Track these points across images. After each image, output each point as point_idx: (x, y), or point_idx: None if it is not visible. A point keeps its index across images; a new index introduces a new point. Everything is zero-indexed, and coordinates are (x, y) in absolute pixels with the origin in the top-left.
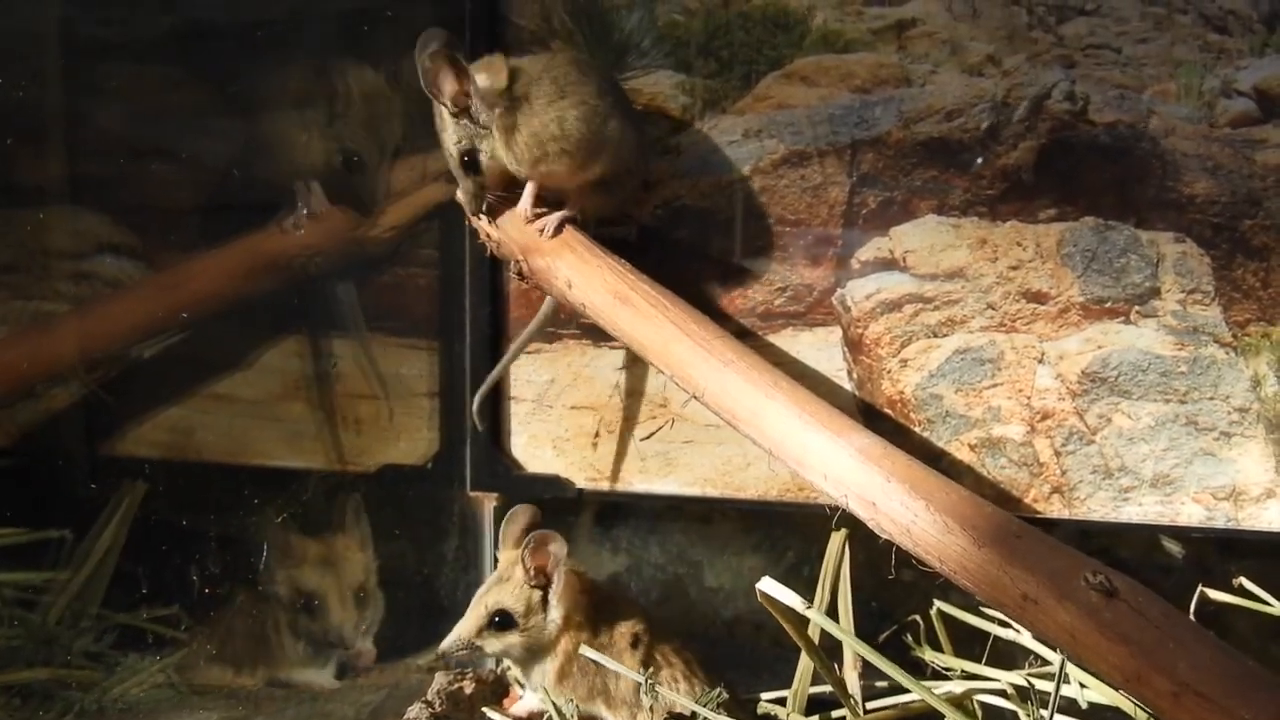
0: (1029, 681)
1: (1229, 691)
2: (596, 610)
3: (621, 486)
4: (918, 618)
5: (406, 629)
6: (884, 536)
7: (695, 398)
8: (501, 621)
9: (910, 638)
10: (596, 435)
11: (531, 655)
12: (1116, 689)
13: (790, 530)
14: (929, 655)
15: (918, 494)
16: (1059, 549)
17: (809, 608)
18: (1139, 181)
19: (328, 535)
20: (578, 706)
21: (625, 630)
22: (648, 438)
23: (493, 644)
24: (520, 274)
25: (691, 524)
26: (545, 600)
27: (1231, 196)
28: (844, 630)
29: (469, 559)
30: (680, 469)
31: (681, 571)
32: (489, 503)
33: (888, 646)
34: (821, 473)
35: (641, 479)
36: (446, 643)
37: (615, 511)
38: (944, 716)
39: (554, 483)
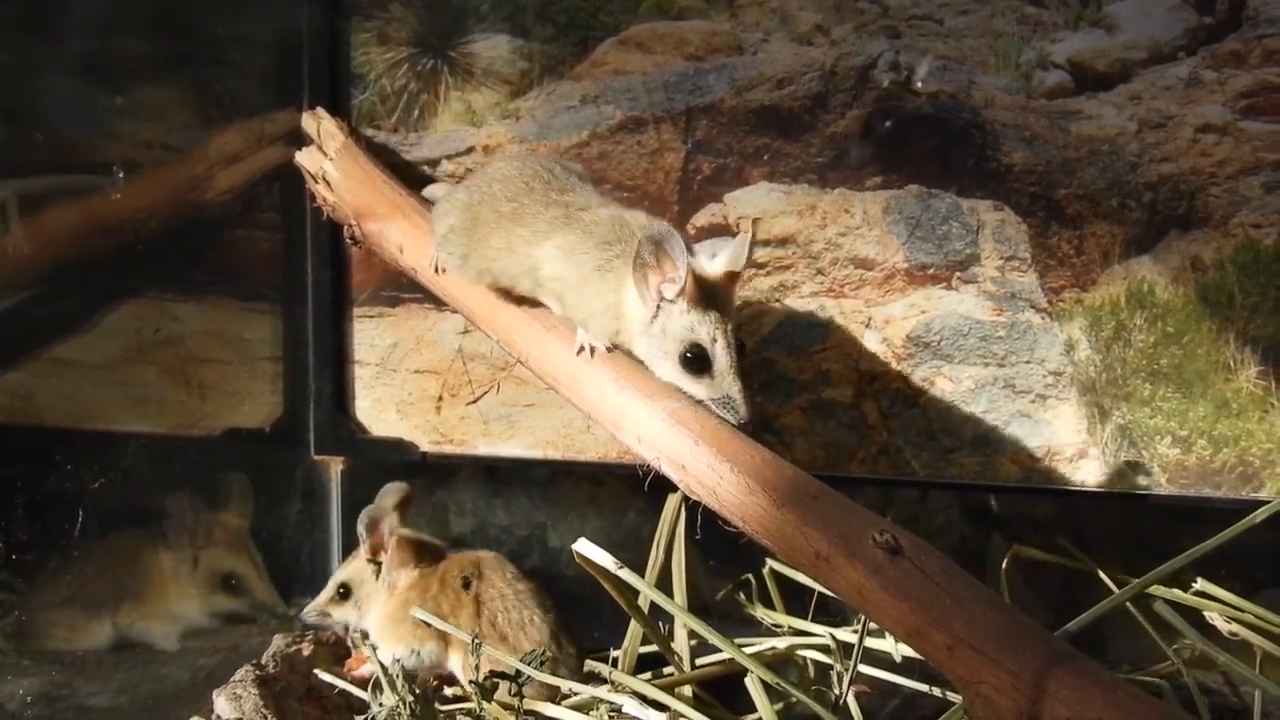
0: (833, 638)
1: (999, 644)
2: (427, 566)
3: (465, 449)
4: (750, 576)
5: (256, 591)
6: (694, 497)
7: (521, 362)
8: (344, 593)
9: (744, 596)
10: (440, 399)
11: (358, 620)
12: (899, 642)
13: (632, 491)
14: (760, 612)
15: (724, 456)
16: (853, 510)
17: (621, 568)
18: (960, 151)
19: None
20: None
21: (455, 575)
22: (473, 401)
23: (337, 613)
24: (353, 238)
25: (535, 486)
26: (379, 571)
27: (1047, 166)
28: (652, 588)
29: (314, 522)
30: (523, 432)
31: (526, 533)
32: (335, 466)
33: (727, 604)
34: (635, 435)
35: (485, 442)
36: (304, 613)
37: (460, 474)
38: (775, 669)
39: (398, 446)
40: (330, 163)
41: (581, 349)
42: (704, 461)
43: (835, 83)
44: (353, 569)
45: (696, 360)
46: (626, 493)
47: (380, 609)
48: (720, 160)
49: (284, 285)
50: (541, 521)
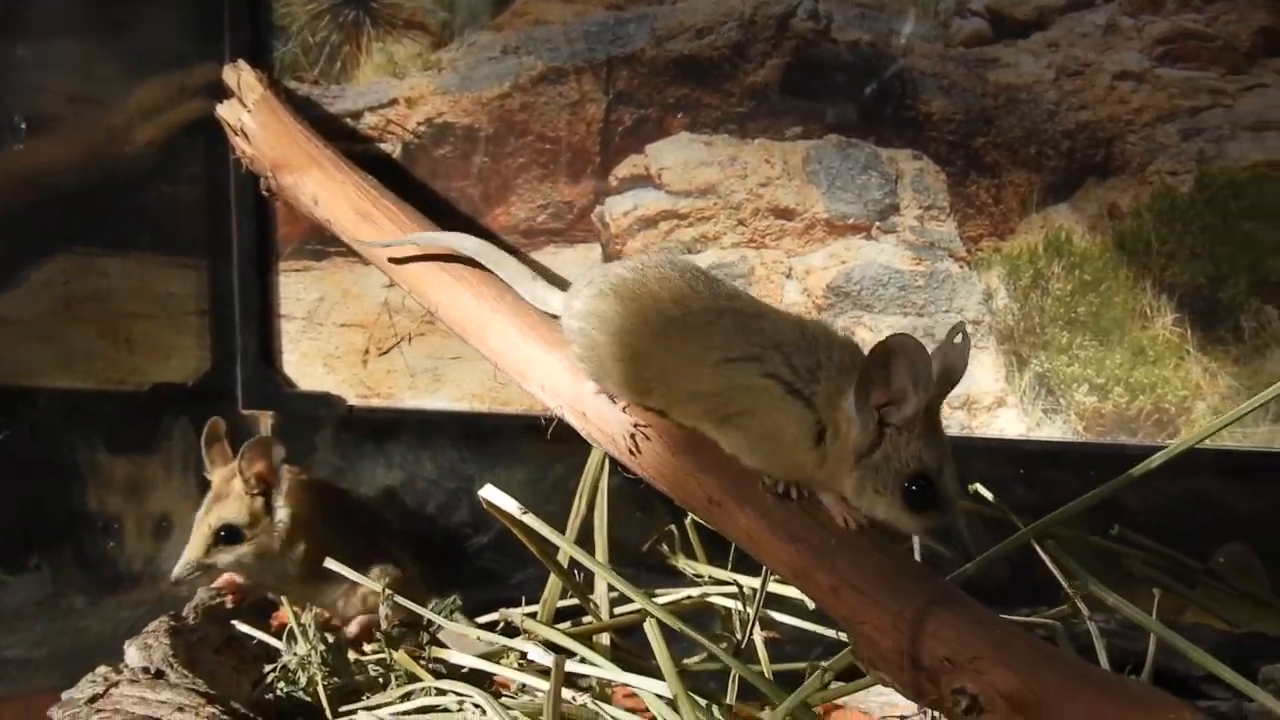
0: (738, 584)
1: (880, 585)
2: (325, 507)
3: (392, 403)
4: (673, 528)
5: (179, 546)
6: (594, 444)
7: (431, 313)
8: (228, 536)
9: (667, 547)
10: (366, 352)
11: (267, 563)
12: (787, 584)
13: (560, 443)
14: (682, 563)
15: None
16: None
17: (525, 513)
18: (879, 100)
19: (98, 455)
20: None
21: (354, 525)
22: (383, 353)
23: (223, 558)
24: (269, 190)
25: (462, 439)
26: (270, 506)
27: (966, 115)
28: (560, 536)
29: None
30: (449, 384)
31: (454, 486)
32: (265, 420)
33: (655, 555)
34: (540, 384)
35: (412, 395)
36: (177, 569)
37: (388, 427)
38: (698, 618)
39: (325, 400)
40: (249, 115)
41: (846, 524)
42: (604, 410)
43: (755, 32)
44: (232, 508)
45: (922, 494)
46: (554, 445)
47: (296, 551)
48: (641, 111)
49: (209, 239)
50: (469, 474)
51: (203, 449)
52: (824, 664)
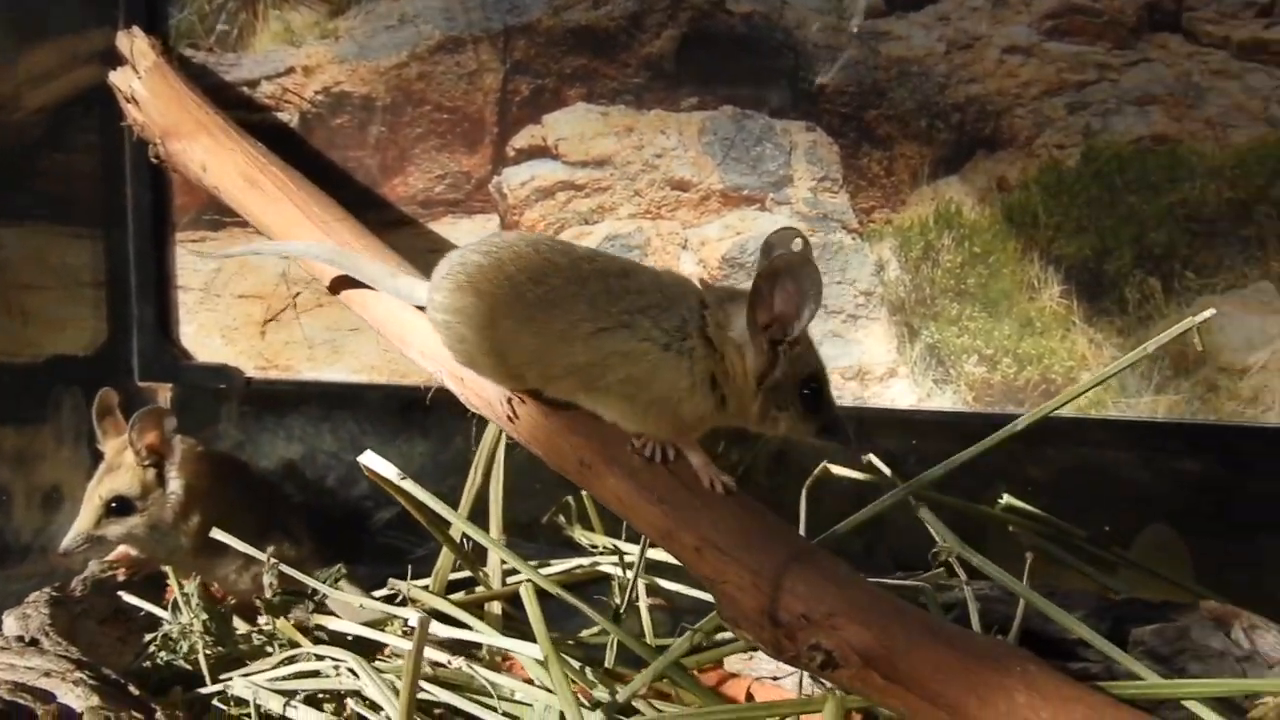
0: (618, 551)
1: (742, 545)
2: (221, 479)
3: (290, 375)
4: (570, 499)
5: (70, 518)
6: (472, 409)
7: (316, 279)
8: (120, 507)
9: (564, 518)
10: (264, 324)
11: (160, 536)
12: (656, 545)
13: (460, 416)
14: (579, 533)
15: None
16: None
17: (404, 478)
18: (773, 72)
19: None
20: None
21: (250, 497)
22: (269, 320)
23: (114, 530)
24: (157, 157)
25: (362, 410)
26: (162, 477)
27: (858, 87)
28: (439, 502)
29: None
30: (347, 356)
31: (353, 457)
32: (164, 393)
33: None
34: (419, 350)
35: (310, 367)
36: (66, 541)
37: (288, 399)
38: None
39: (223, 372)
40: (140, 82)
41: (711, 484)
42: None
43: (651, 2)
44: (124, 479)
45: (814, 396)
46: (456, 418)
47: (190, 523)
48: (538, 81)
49: (104, 209)
50: (370, 447)
51: (94, 420)
52: (694, 626)
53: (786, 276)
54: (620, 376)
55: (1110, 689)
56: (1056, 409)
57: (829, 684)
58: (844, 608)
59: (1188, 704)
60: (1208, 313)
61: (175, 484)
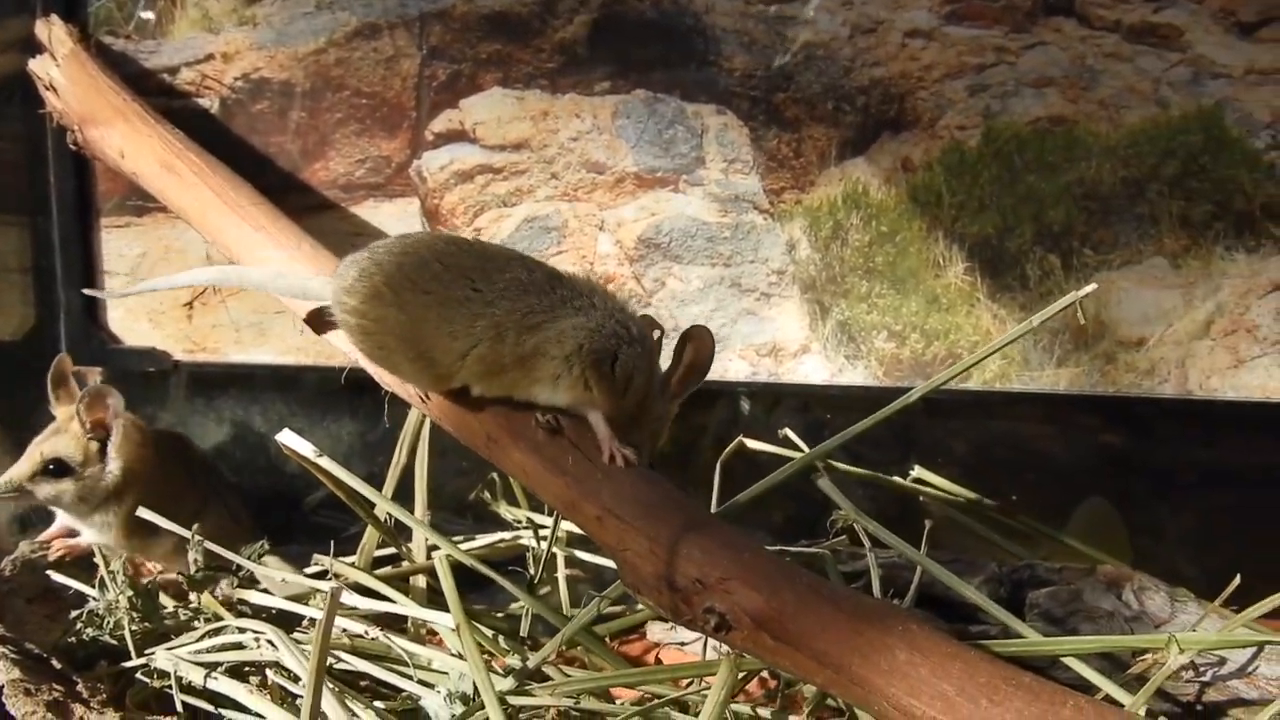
0: (533, 525)
1: (640, 514)
2: (162, 462)
3: (218, 357)
4: (495, 476)
5: None
6: (385, 388)
7: (233, 263)
8: (57, 469)
9: (489, 494)
10: (190, 307)
11: (85, 505)
12: (556, 515)
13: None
14: (504, 509)
15: None
16: None
17: (320, 455)
18: (683, 56)
19: None
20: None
21: (187, 480)
22: (187, 305)
23: (44, 490)
24: (75, 144)
25: (291, 393)
26: (104, 452)
27: (766, 71)
28: (353, 476)
29: None
30: (274, 338)
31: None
32: (94, 377)
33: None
34: (334, 331)
35: (237, 349)
36: None
37: (217, 382)
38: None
39: (151, 355)
40: (58, 69)
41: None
42: None
43: None
44: (67, 444)
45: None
46: (382, 399)
47: (124, 503)
48: (455, 66)
49: (28, 195)
50: (299, 428)
51: (49, 386)
52: (601, 594)
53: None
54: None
55: (992, 646)
56: (947, 381)
57: (726, 647)
58: (737, 572)
59: (1068, 661)
60: (1089, 288)
61: (114, 464)
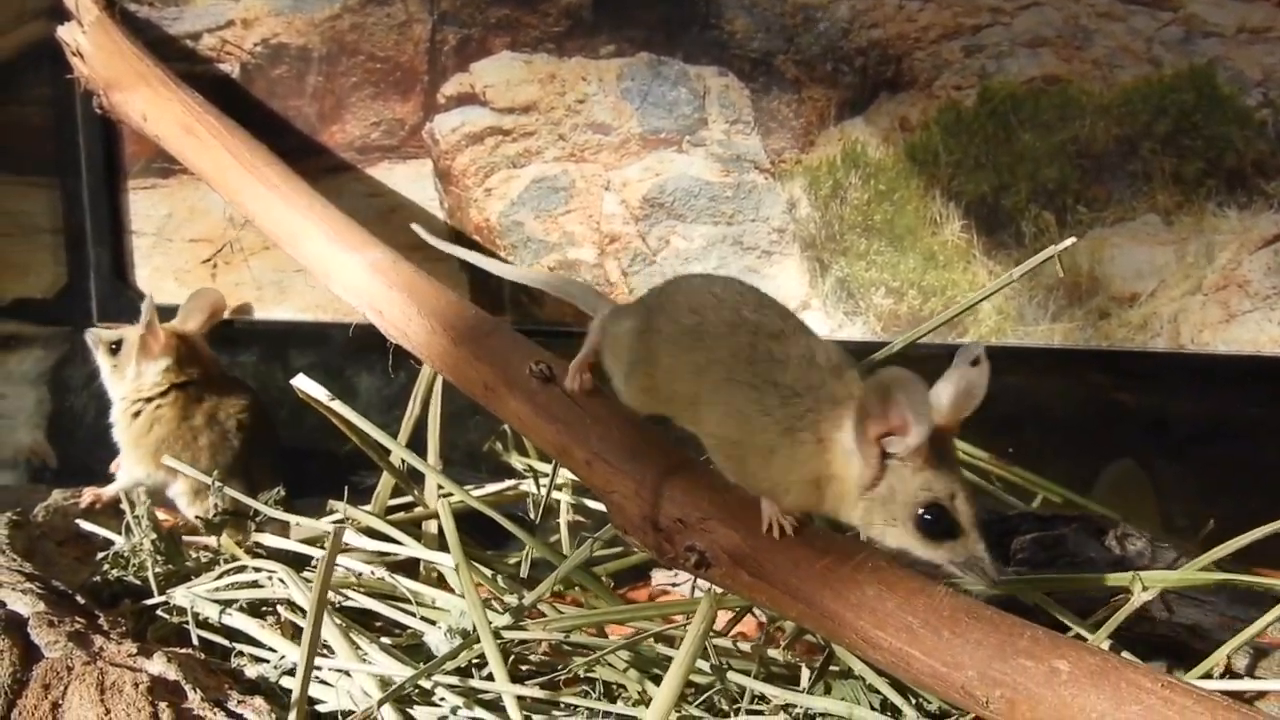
0: (534, 473)
1: (626, 457)
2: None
3: (241, 314)
4: (507, 427)
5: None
6: (390, 339)
7: (249, 221)
8: (115, 347)
9: (501, 445)
10: (215, 266)
11: (112, 384)
12: (555, 461)
13: (402, 352)
14: (514, 459)
15: (413, 300)
16: (520, 344)
17: (333, 399)
18: (685, 19)
19: None
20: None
21: (232, 410)
22: (207, 260)
23: (99, 356)
24: (101, 108)
25: (312, 349)
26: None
27: (767, 33)
28: (364, 420)
29: (102, 388)
30: (294, 295)
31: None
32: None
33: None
34: (344, 285)
35: (259, 306)
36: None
37: (240, 339)
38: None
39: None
40: (84, 36)
41: (769, 527)
42: (397, 306)
43: None
44: (131, 333)
45: (937, 522)
46: (399, 353)
47: (128, 414)
48: (465, 31)
49: (58, 158)
50: (318, 382)
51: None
52: (594, 535)
53: (898, 390)
54: (735, 436)
55: (961, 584)
56: (927, 334)
57: (709, 585)
58: (716, 512)
59: (1037, 599)
60: (1068, 241)
61: (153, 369)
